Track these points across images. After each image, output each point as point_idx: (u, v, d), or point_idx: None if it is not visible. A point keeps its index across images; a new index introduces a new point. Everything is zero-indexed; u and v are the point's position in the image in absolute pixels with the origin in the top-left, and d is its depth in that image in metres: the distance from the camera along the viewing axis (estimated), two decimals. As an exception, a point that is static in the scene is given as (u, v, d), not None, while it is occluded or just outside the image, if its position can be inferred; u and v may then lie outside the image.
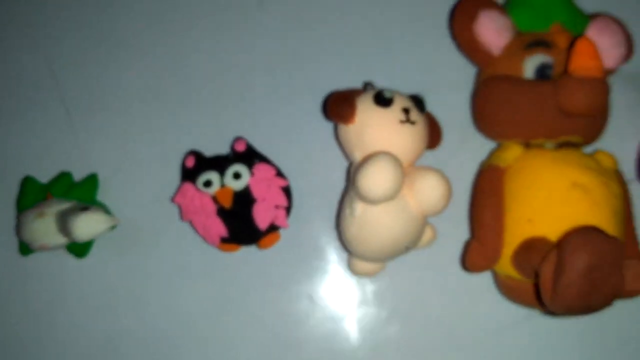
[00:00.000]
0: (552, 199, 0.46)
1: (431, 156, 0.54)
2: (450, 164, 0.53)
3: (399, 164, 0.46)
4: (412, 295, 0.55)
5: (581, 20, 0.52)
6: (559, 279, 0.39)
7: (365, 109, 0.49)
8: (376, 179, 0.45)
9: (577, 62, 0.46)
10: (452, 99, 0.56)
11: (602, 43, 0.52)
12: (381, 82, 0.54)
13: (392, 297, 0.55)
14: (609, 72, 0.53)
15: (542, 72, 0.49)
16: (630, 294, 0.43)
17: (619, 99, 0.56)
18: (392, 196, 0.46)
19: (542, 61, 0.49)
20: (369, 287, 0.55)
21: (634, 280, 0.43)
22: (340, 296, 0.55)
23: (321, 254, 0.55)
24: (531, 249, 0.45)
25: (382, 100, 0.49)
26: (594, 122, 0.50)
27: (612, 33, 0.52)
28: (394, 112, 0.49)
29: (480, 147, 0.54)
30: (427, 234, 0.52)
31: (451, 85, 0.56)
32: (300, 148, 0.56)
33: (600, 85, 0.46)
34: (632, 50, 0.54)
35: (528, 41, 0.50)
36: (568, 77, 0.46)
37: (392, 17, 0.58)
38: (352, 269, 0.53)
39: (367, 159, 0.47)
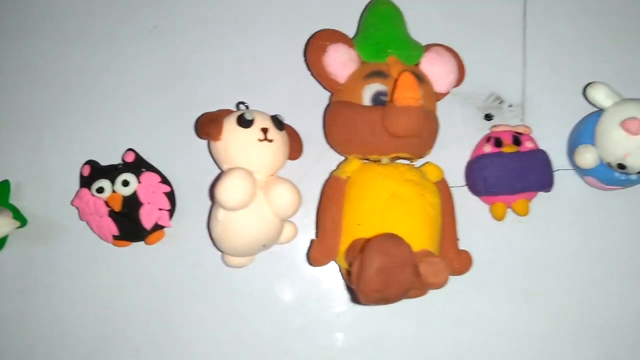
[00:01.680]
0: (375, 207, 0.56)
1: (297, 165, 0.63)
2: (313, 173, 0.63)
3: (250, 178, 0.56)
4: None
5: (416, 52, 0.62)
6: (359, 275, 0.50)
7: (230, 129, 0.59)
8: (228, 191, 0.55)
9: (398, 93, 0.56)
10: (316, 116, 0.65)
11: (434, 72, 0.62)
12: (255, 101, 0.63)
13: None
14: (441, 95, 0.63)
15: (378, 99, 0.58)
16: (433, 286, 0.53)
17: (456, 115, 0.66)
18: (243, 205, 0.56)
19: (378, 89, 0.59)
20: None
21: (433, 275, 0.53)
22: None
23: (200, 250, 0.65)
24: (353, 248, 0.55)
25: (243, 121, 0.58)
26: (419, 141, 0.59)
27: (442, 63, 0.62)
28: (253, 132, 0.58)
29: (339, 158, 0.64)
30: (288, 232, 0.62)
31: (314, 104, 0.66)
32: (186, 158, 0.66)
33: (417, 113, 0.56)
34: (463, 76, 0.64)
35: (368, 71, 0.60)
36: (391, 106, 0.56)
37: (266, 48, 0.67)
38: (225, 261, 0.63)
39: (223, 173, 0.56)
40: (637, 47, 0.68)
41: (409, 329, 0.64)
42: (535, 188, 0.62)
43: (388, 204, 0.56)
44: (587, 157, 0.59)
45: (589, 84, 0.60)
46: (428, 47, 0.63)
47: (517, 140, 0.62)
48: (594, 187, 0.63)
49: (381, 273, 0.49)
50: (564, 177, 0.65)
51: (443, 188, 0.61)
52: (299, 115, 0.65)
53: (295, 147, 0.63)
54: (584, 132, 0.62)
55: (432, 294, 0.57)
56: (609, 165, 0.58)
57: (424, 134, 0.59)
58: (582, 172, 0.62)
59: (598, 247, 0.65)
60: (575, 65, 0.67)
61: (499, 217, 0.63)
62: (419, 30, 0.64)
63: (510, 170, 0.61)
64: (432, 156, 0.64)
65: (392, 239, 0.50)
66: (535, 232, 0.65)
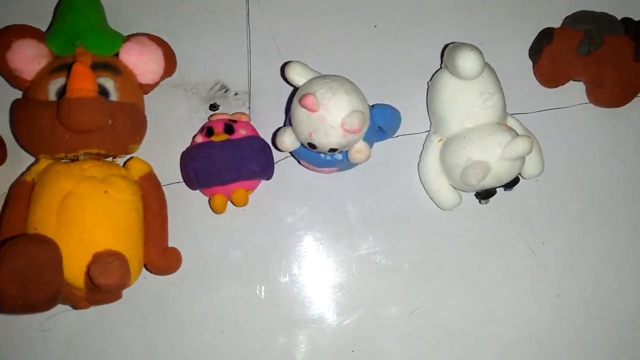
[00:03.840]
0: (50, 208, 0.52)
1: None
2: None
3: None
4: None
5: (111, 42, 0.58)
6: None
7: None
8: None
9: (70, 85, 0.52)
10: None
11: (133, 62, 0.59)
12: None
13: None
14: (149, 86, 0.60)
15: (62, 94, 0.55)
16: (105, 287, 0.49)
17: (181, 107, 0.63)
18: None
19: (63, 84, 0.55)
20: None
21: (101, 275, 0.49)
22: None
23: None
24: None
25: None
26: (110, 135, 0.55)
27: (143, 52, 0.59)
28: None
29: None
30: None
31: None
32: None
33: (92, 104, 0.52)
34: (173, 66, 0.61)
35: (54, 66, 0.56)
36: (63, 98, 0.52)
37: None
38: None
39: None
40: (363, 32, 0.66)
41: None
42: (249, 176, 0.59)
43: (63, 204, 0.52)
44: (284, 139, 0.56)
45: (286, 62, 0.58)
46: (130, 36, 0.60)
47: (229, 128, 0.59)
48: (314, 171, 0.60)
49: (15, 276, 0.45)
50: (293, 164, 0.63)
51: (148, 184, 0.58)
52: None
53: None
54: (287, 113, 0.59)
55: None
56: (305, 146, 0.55)
57: (117, 126, 0.55)
58: (296, 155, 0.59)
59: (325, 229, 0.62)
60: (302, 50, 0.65)
61: (218, 210, 0.59)
62: (123, 19, 0.60)
63: (219, 160, 0.58)
64: (155, 152, 0.61)
65: (29, 240, 0.47)
66: (257, 221, 0.62)
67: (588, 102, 0.65)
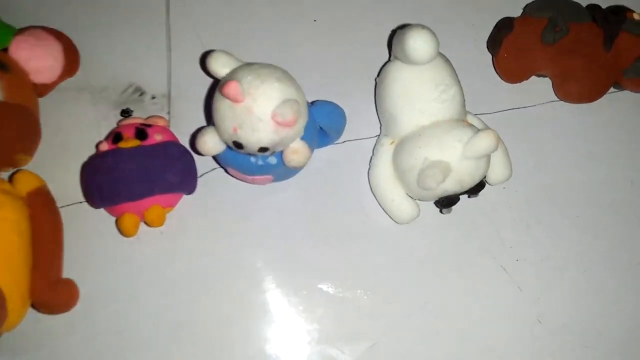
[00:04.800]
0: None
1: None
2: None
3: None
4: None
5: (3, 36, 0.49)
6: None
7: None
8: None
9: None
10: None
11: (24, 58, 0.49)
12: None
13: None
14: (45, 87, 0.50)
15: None
16: None
17: (87, 114, 0.54)
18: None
19: None
20: None
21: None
22: None
23: None
24: None
25: None
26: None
27: (36, 47, 0.50)
28: None
29: None
30: None
31: None
32: None
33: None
34: (76, 64, 0.53)
35: None
36: None
37: None
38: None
39: None
40: (302, 26, 0.58)
41: None
42: (165, 190, 0.49)
43: None
44: (205, 139, 0.46)
45: (207, 52, 0.49)
46: (23, 29, 0.50)
47: (142, 133, 0.49)
48: (245, 181, 0.51)
49: None
50: (221, 176, 0.53)
51: (38, 201, 0.47)
52: None
53: None
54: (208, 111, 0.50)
55: None
56: (231, 146, 0.46)
57: (0, 131, 0.45)
58: (222, 162, 0.50)
59: (259, 254, 0.52)
60: (231, 47, 0.55)
61: (127, 232, 0.49)
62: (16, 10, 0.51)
63: (128, 170, 0.48)
64: (53, 166, 0.51)
65: None
66: (178, 246, 0.51)
67: (556, 99, 0.57)
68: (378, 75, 0.54)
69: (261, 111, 0.43)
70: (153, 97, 0.55)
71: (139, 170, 0.48)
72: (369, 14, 0.59)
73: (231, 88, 0.42)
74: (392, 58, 0.53)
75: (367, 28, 0.58)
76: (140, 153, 0.49)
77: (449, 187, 0.48)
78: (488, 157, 0.49)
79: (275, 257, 0.51)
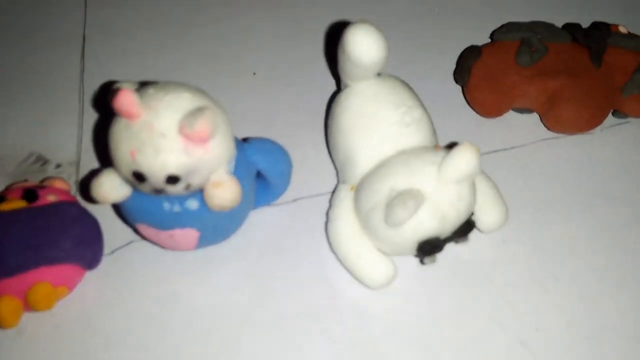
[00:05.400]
0: None
1: None
2: None
3: None
4: None
5: None
6: None
7: None
8: None
9: None
10: None
11: None
12: None
13: None
14: None
15: None
16: None
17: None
18: None
19: None
20: None
21: None
22: None
23: None
24: None
25: None
26: None
27: None
28: None
29: None
30: None
31: None
32: None
33: None
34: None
35: None
36: None
37: None
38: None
39: None
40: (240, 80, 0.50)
41: None
42: (56, 260, 0.37)
43: None
44: (101, 181, 0.36)
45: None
46: None
47: (31, 194, 0.39)
48: (163, 245, 0.39)
49: None
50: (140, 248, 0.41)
51: None
52: None
53: None
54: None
55: None
56: (132, 182, 0.35)
57: None
58: (127, 214, 0.38)
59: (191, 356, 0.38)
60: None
61: (4, 321, 0.36)
62: None
63: (6, 235, 0.36)
64: None
65: None
66: (76, 342, 0.38)
67: (548, 135, 0.48)
68: (326, 115, 0.45)
69: (164, 125, 0.33)
70: (58, 166, 0.45)
71: (19, 236, 0.37)
72: (315, 61, 0.51)
73: (123, 97, 0.32)
74: (341, 87, 0.44)
75: (313, 77, 0.50)
76: (24, 215, 0.37)
77: (427, 224, 0.36)
78: (472, 186, 0.38)
79: (210, 354, 0.38)
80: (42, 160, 0.45)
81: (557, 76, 0.45)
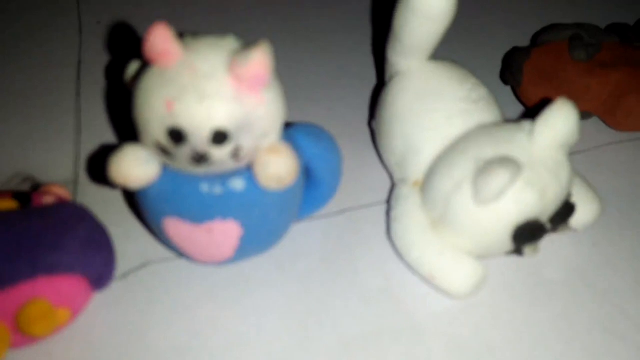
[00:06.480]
0: None
1: None
2: None
3: None
4: None
5: None
6: None
7: None
8: None
9: None
10: None
11: None
12: None
13: None
14: None
15: None
16: None
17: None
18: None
19: None
20: None
21: None
22: None
23: None
24: None
25: None
26: None
27: None
28: None
29: None
30: None
31: None
32: None
33: None
34: None
35: None
36: None
37: None
38: None
39: None
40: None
41: None
42: (55, 268, 0.28)
43: None
44: (124, 155, 0.28)
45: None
46: None
47: (23, 196, 0.31)
48: (193, 250, 0.30)
49: None
50: (164, 269, 0.32)
51: None
52: None
53: None
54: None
55: None
56: (165, 147, 0.27)
57: None
58: (151, 205, 0.30)
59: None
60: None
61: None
62: None
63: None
64: None
65: None
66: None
67: (611, 141, 0.43)
68: (371, 117, 0.40)
69: (209, 65, 0.26)
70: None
71: (10, 239, 0.28)
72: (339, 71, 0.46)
73: (155, 33, 0.26)
74: (389, 76, 0.38)
75: (344, 91, 0.45)
76: (17, 218, 0.29)
77: (528, 198, 0.30)
78: (569, 157, 0.32)
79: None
80: (30, 180, 0.37)
81: (619, 68, 0.41)
